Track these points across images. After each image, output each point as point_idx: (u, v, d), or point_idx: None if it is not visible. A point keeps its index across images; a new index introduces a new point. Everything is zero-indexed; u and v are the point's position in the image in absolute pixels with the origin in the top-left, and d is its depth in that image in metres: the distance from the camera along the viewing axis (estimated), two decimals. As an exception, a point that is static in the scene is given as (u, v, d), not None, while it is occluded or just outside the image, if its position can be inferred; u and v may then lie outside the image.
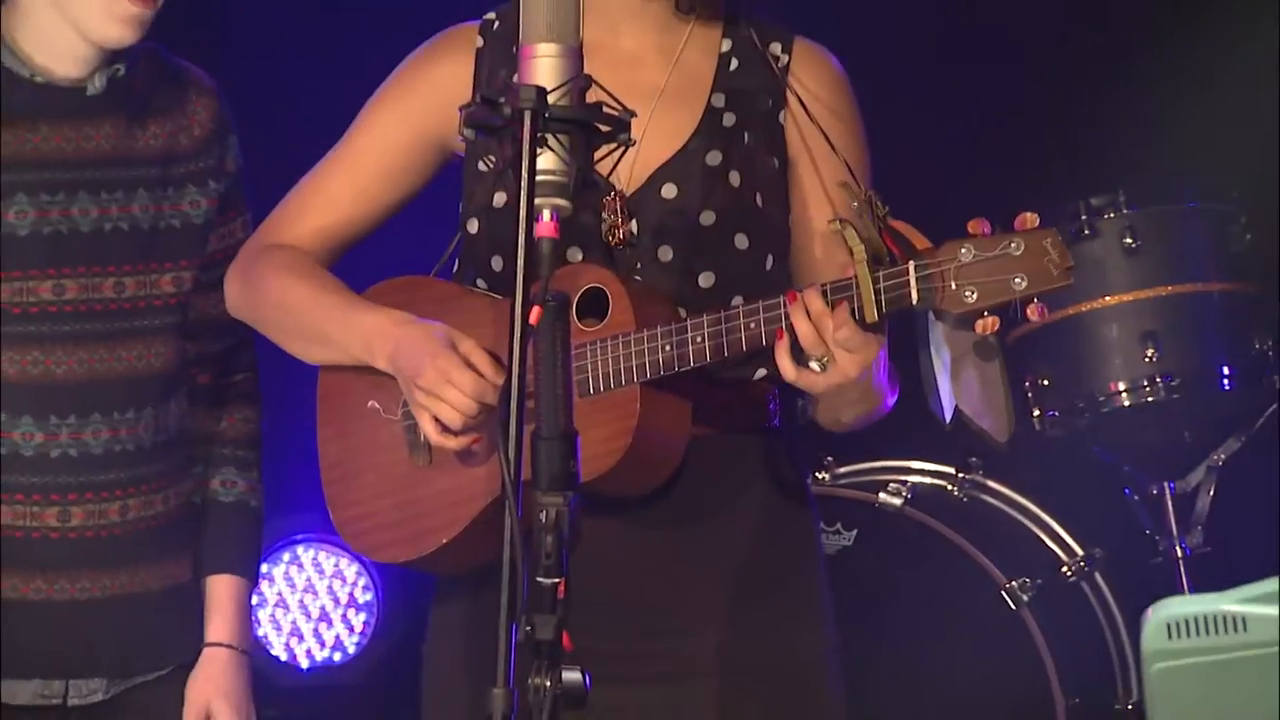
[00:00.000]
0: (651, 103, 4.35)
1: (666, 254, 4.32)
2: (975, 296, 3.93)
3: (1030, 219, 3.96)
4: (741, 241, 4.33)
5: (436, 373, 4.18)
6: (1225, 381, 6.03)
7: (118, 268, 4.47)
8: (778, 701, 4.33)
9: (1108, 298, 5.99)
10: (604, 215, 4.30)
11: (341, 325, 4.35)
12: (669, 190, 4.33)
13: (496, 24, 4.41)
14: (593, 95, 3.77)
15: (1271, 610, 3.64)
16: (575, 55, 3.73)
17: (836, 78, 4.44)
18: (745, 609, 4.33)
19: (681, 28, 4.42)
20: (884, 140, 4.51)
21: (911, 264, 3.95)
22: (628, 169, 4.28)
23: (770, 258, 4.32)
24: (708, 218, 4.32)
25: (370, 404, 4.41)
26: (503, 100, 3.69)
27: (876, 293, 3.95)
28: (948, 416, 4.33)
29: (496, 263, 4.28)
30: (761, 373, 4.24)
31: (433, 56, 4.45)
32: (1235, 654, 3.64)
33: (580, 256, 4.29)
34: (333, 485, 4.47)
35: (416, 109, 4.41)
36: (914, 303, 3.95)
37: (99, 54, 4.42)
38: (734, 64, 4.41)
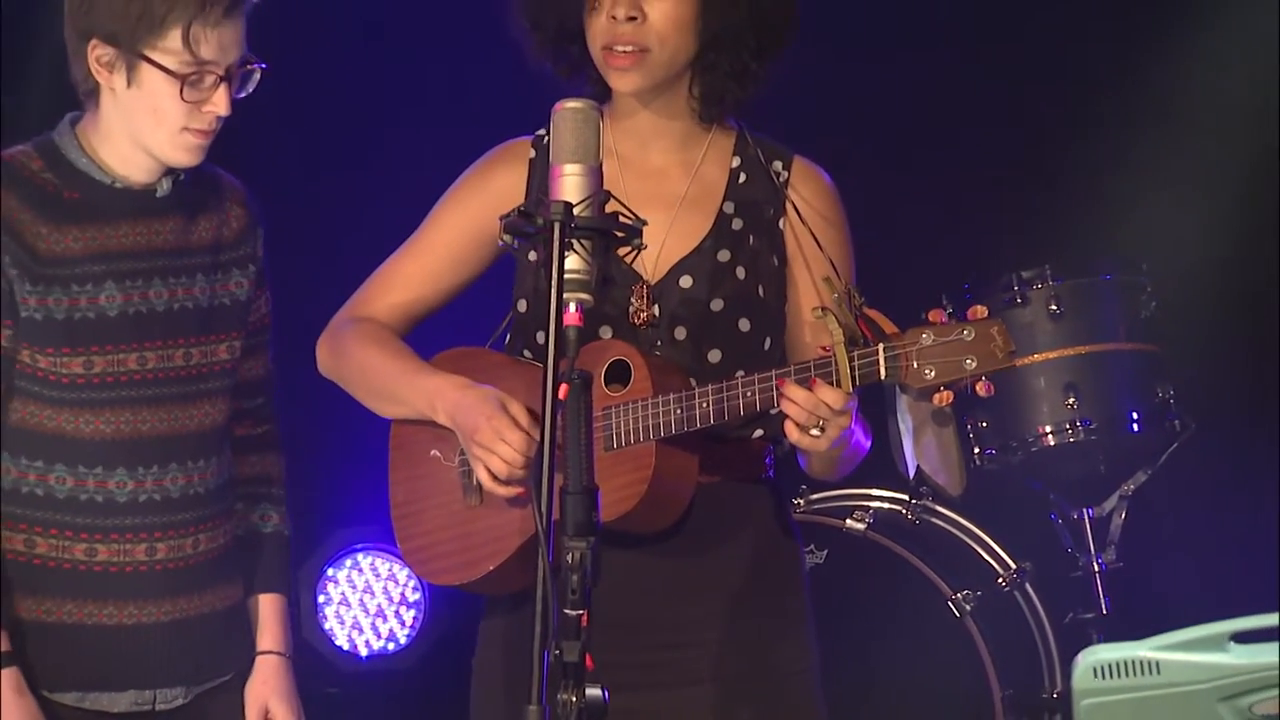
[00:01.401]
0: (673, 209, 4.37)
1: (681, 334, 4.32)
2: (933, 374, 3.97)
3: (980, 310, 3.99)
4: (744, 325, 4.33)
5: (491, 431, 4.21)
6: (1134, 424, 6.03)
7: (186, 340, 4.41)
8: (768, 706, 4.33)
9: (1036, 355, 6.00)
10: (632, 301, 4.31)
11: (410, 387, 4.37)
12: (685, 281, 4.33)
13: (547, 138, 4.36)
14: (614, 203, 3.80)
15: (1180, 656, 3.65)
16: (596, 173, 3.75)
17: (827, 191, 4.44)
18: (740, 628, 4.32)
19: (699, 145, 4.42)
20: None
21: (881, 346, 3.99)
22: (652, 263, 4.31)
23: (768, 339, 4.32)
24: (717, 305, 4.33)
25: (433, 453, 4.42)
26: (536, 213, 3.71)
27: (851, 369, 4.00)
28: (911, 473, 4.36)
29: (540, 337, 4.26)
30: (759, 433, 4.24)
31: (493, 166, 4.45)
32: (1150, 693, 3.64)
33: (610, 334, 4.29)
34: (401, 520, 4.48)
35: (477, 210, 4.40)
36: (882, 377, 3.99)
37: (164, 164, 4.40)
38: (742, 177, 4.41)
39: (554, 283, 3.67)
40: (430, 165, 4.73)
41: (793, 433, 4.05)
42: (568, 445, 3.67)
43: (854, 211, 4.48)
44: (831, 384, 4.01)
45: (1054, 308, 5.98)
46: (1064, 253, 6.10)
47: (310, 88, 6.74)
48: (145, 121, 4.29)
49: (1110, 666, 3.66)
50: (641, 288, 4.32)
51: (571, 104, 3.79)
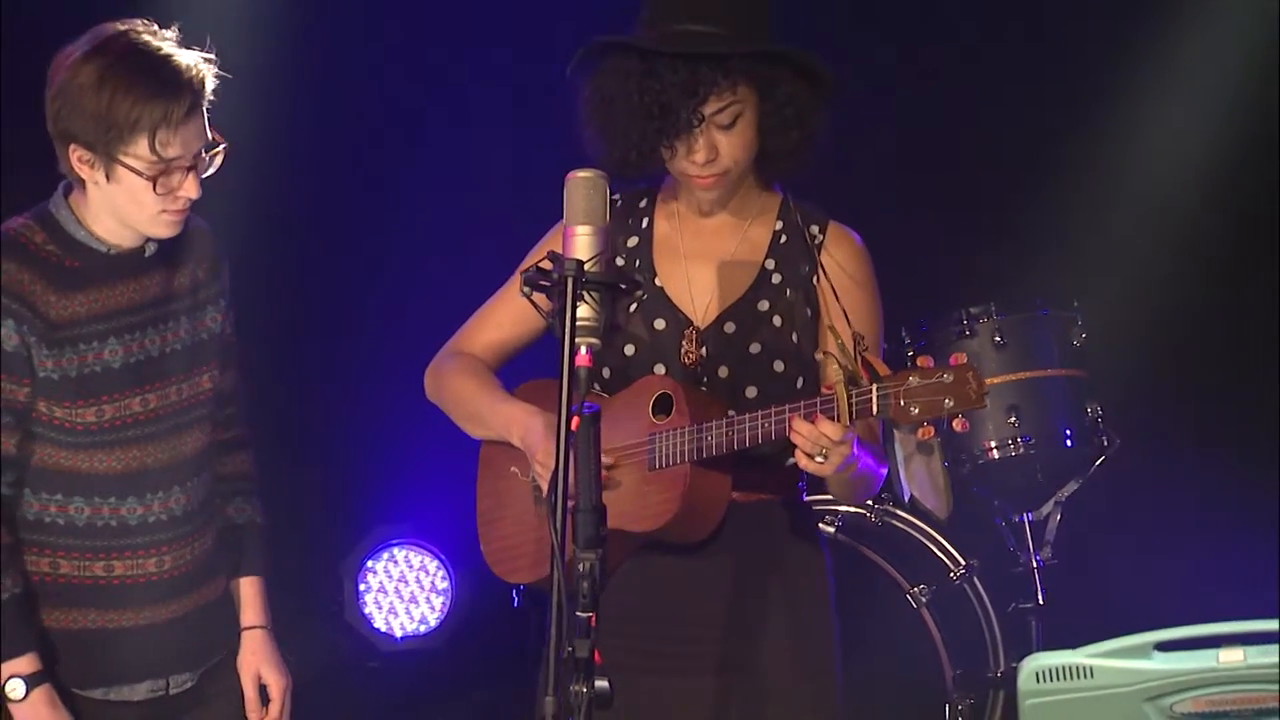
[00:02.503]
0: (722, 263, 4.41)
1: (724, 373, 4.34)
2: (917, 411, 4.01)
3: (960, 358, 4.03)
4: (779, 366, 4.35)
5: (545, 454, 4.23)
6: (1067, 440, 6.01)
7: (177, 378, 4.38)
8: (798, 693, 4.36)
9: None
10: (683, 343, 4.34)
11: (491, 412, 4.44)
12: (729, 328, 4.35)
13: (618, 202, 4.41)
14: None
15: (1110, 662, 3.64)
16: (604, 233, 3.75)
17: (858, 252, 4.45)
18: (776, 628, 4.34)
19: (748, 209, 4.44)
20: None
21: (874, 386, 4.03)
22: (702, 311, 4.36)
23: (801, 379, 4.34)
24: (755, 349, 4.35)
25: (512, 469, 4.46)
26: (553, 268, 3.72)
27: (850, 405, 4.04)
28: (906, 498, 4.38)
29: (605, 373, 4.33)
30: (791, 460, 4.20)
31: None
32: (1084, 694, 3.64)
33: (664, 370, 4.32)
34: (484, 526, 4.53)
35: None
36: (874, 413, 4.03)
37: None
38: (783, 239, 4.41)
39: (567, 329, 3.67)
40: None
41: (801, 459, 4.09)
42: (579, 469, 3.66)
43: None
44: (833, 419, 4.04)
45: (998, 339, 5.97)
46: (1007, 291, 6.10)
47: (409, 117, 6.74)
48: (126, 208, 4.24)
49: (1050, 671, 3.65)
50: (692, 332, 4.36)
51: (582, 174, 3.80)
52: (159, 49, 4.20)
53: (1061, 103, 6.67)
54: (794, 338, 4.35)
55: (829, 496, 5.88)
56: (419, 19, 6.85)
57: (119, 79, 4.15)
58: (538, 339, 4.50)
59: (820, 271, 4.38)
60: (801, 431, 4.05)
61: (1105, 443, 6.03)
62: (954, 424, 4.04)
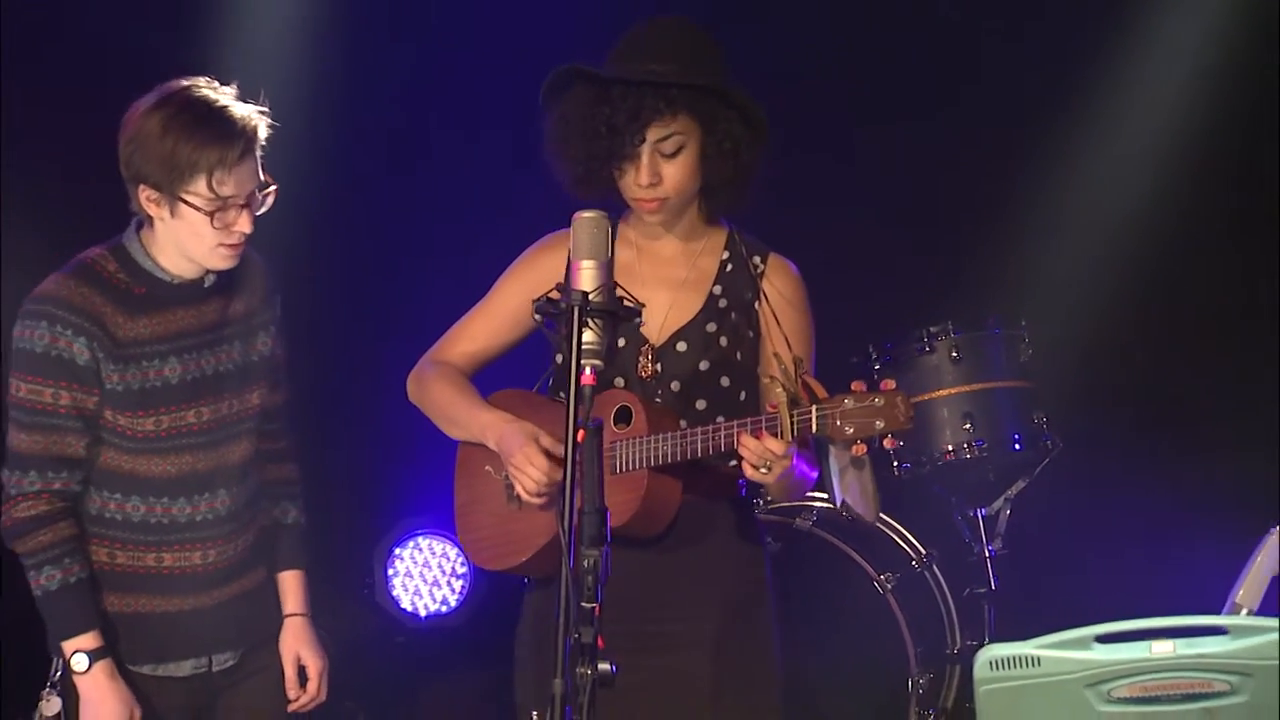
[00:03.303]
0: (675, 290, 4.40)
1: (676, 387, 4.35)
2: (851, 431, 4.02)
3: (889, 384, 4.06)
4: (725, 382, 4.36)
5: (523, 457, 4.26)
6: (1016, 444, 5.98)
7: (229, 395, 4.40)
8: (742, 663, 4.33)
9: (940, 391, 5.96)
10: (640, 359, 4.35)
11: (469, 418, 4.42)
12: (681, 346, 4.36)
13: None
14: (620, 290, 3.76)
15: (1056, 653, 3.64)
16: (606, 266, 3.73)
17: (794, 280, 4.44)
18: (718, 608, 4.33)
19: (699, 241, 4.44)
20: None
21: (814, 407, 4.04)
22: (656, 331, 4.36)
23: (744, 392, 4.35)
24: (704, 365, 4.35)
25: (486, 468, 4.45)
26: (561, 298, 3.71)
27: (791, 424, 4.04)
28: (838, 503, 4.38)
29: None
30: (734, 463, 4.20)
31: (543, 252, 4.47)
32: (1033, 681, 3.64)
33: (623, 384, 4.32)
34: (461, 518, 4.52)
35: (528, 285, 4.38)
36: (813, 431, 4.04)
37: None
38: (729, 268, 4.42)
39: (574, 352, 3.66)
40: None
41: (746, 470, 4.11)
42: (584, 477, 3.64)
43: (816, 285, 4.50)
44: (776, 435, 4.06)
45: (954, 354, 5.95)
46: (963, 311, 6.06)
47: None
48: (188, 241, 4.28)
49: (1002, 660, 3.65)
50: (648, 350, 4.36)
51: (588, 214, 3.77)
52: (216, 101, 4.24)
53: (1010, 137, 6.63)
54: (738, 356, 4.36)
55: (809, 497, 6.00)
56: (436, 46, 6.81)
57: (181, 127, 4.20)
58: (511, 350, 4.52)
59: (762, 297, 4.39)
60: (749, 446, 4.07)
61: (1050, 446, 6.01)
62: (885, 443, 4.05)
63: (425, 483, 6.36)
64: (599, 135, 4.31)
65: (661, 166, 4.30)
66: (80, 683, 4.29)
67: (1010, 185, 6.68)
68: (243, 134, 4.21)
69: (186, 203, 4.20)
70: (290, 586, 4.56)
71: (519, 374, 4.56)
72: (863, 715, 5.86)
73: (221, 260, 4.30)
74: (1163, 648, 3.60)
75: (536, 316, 3.81)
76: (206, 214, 4.20)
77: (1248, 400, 6.48)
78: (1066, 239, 6.69)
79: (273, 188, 4.28)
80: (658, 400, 4.33)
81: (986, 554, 6.02)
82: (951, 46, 6.70)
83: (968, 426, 5.93)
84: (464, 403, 4.45)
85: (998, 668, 3.63)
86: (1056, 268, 6.65)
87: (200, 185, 4.19)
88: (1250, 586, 4.84)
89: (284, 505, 4.59)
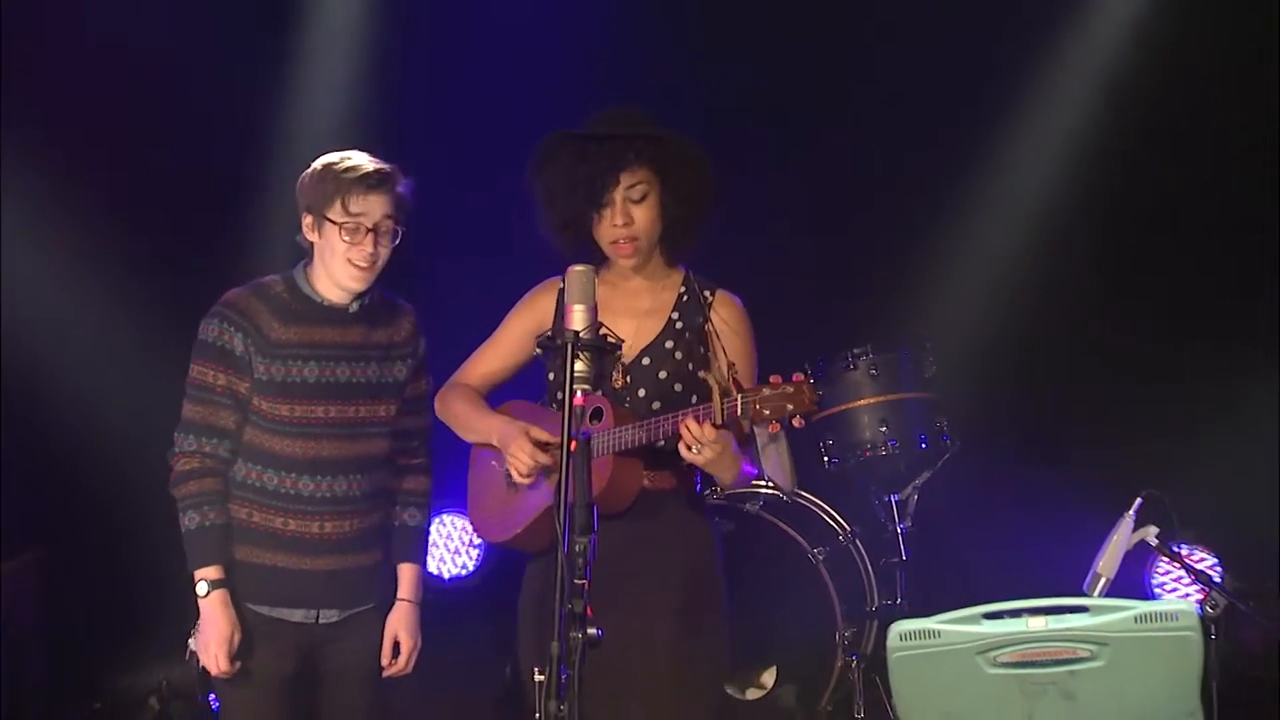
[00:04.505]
0: (641, 317, 4.41)
1: (641, 393, 4.35)
2: (769, 412, 4.03)
3: (799, 377, 4.05)
4: (678, 388, 4.35)
5: (516, 446, 4.31)
6: (922, 443, 5.98)
7: (357, 401, 4.41)
8: (690, 623, 4.29)
9: (861, 400, 5.95)
10: (613, 373, 4.35)
11: (479, 424, 4.46)
12: (645, 360, 4.37)
13: (563, 284, 4.39)
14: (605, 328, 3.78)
15: (952, 626, 3.67)
16: (593, 309, 3.75)
17: (737, 310, 4.44)
18: (670, 581, 4.30)
19: (661, 279, 4.44)
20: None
21: (739, 396, 4.04)
22: (627, 349, 4.32)
23: (694, 396, 4.31)
24: (663, 375, 4.35)
25: (491, 463, 4.47)
26: (557, 336, 3.74)
27: (721, 408, 4.06)
28: (763, 476, 4.36)
29: (560, 395, 4.22)
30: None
31: (537, 296, 4.49)
32: (934, 650, 3.66)
33: (599, 391, 4.25)
34: (471, 500, 4.55)
35: (528, 322, 4.45)
36: (739, 413, 4.05)
37: (353, 293, 4.42)
38: (685, 299, 4.42)
39: (568, 380, 3.68)
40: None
41: (682, 450, 4.11)
42: (576, 478, 3.65)
43: (755, 306, 4.50)
44: (710, 422, 4.08)
45: (873, 371, 5.94)
46: (879, 335, 6.06)
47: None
48: (329, 258, 4.37)
49: (909, 633, 3.67)
50: (619, 364, 4.36)
51: (579, 268, 3.79)
52: (362, 157, 4.39)
53: (920, 178, 6.59)
54: (690, 367, 4.35)
55: (755, 485, 5.98)
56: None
57: (330, 169, 4.36)
58: (517, 372, 4.53)
59: (710, 323, 4.39)
60: (689, 428, 4.08)
61: (949, 444, 6.01)
62: (794, 422, 4.03)
63: (448, 474, 6.34)
64: (579, 186, 4.32)
65: (631, 210, 4.31)
66: (201, 605, 4.34)
67: (920, 218, 6.66)
68: (374, 174, 4.35)
69: (328, 219, 4.33)
70: (406, 577, 4.55)
71: (524, 388, 4.57)
72: (801, 661, 5.81)
73: (353, 279, 4.38)
74: (1037, 623, 3.63)
75: (538, 350, 3.83)
76: (338, 225, 4.31)
77: (1110, 407, 6.52)
78: (965, 275, 6.68)
79: (400, 228, 4.38)
80: (627, 404, 4.33)
81: (899, 531, 6.03)
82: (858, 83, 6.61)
83: (883, 429, 5.93)
84: (476, 414, 4.48)
85: (906, 639, 3.65)
86: (956, 300, 6.66)
87: (338, 206, 4.32)
88: (1109, 558, 4.77)
89: (411, 510, 4.58)
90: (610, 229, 4.33)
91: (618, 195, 4.31)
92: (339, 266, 4.36)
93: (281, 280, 4.42)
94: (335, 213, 4.32)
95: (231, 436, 4.37)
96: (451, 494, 6.55)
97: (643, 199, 4.32)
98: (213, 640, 4.32)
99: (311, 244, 4.39)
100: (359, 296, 4.42)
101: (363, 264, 4.34)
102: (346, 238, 4.31)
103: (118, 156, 6.38)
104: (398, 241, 4.38)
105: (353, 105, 6.65)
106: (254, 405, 4.36)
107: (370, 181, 4.32)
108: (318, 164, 4.39)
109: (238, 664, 4.33)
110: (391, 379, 4.47)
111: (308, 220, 4.37)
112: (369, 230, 4.31)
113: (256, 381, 4.35)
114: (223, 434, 4.37)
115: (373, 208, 4.32)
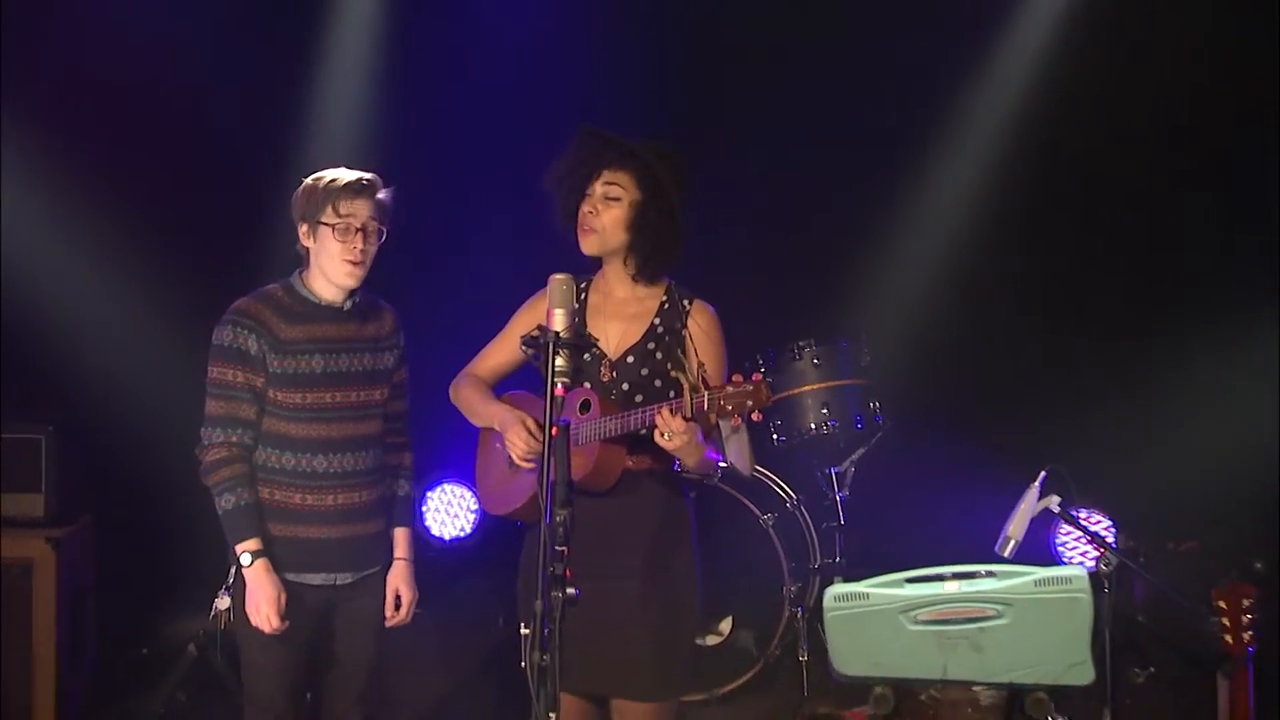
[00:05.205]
0: (628, 321, 4.37)
1: (625, 387, 4.31)
2: (731, 408, 4.01)
3: (758, 377, 4.05)
4: (658, 384, 4.32)
5: (515, 433, 4.26)
6: (859, 424, 5.99)
7: (356, 387, 4.43)
8: (664, 588, 4.30)
9: (806, 387, 5.96)
10: (601, 369, 4.32)
11: (485, 410, 4.41)
12: (630, 359, 4.33)
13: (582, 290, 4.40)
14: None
15: (879, 590, 3.73)
16: (573, 313, 3.76)
17: (711, 317, 4.38)
18: (648, 547, 4.30)
19: (645, 290, 4.39)
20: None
21: (707, 393, 4.03)
22: (614, 349, 4.32)
23: (671, 391, 4.29)
24: (645, 372, 4.32)
25: (495, 445, 4.44)
26: (539, 335, 3.75)
27: (690, 402, 4.05)
28: (726, 461, 4.35)
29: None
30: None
31: (540, 299, 4.37)
32: (863, 610, 3.70)
33: (589, 385, 4.29)
34: (478, 478, 4.51)
35: (533, 321, 4.29)
36: (705, 408, 4.03)
37: (346, 292, 4.42)
38: (666, 306, 4.38)
39: (549, 374, 3.70)
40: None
41: (657, 437, 4.08)
42: (557, 458, 3.67)
43: (712, 300, 4.45)
44: (680, 414, 4.07)
45: (815, 361, 5.96)
46: (821, 330, 6.06)
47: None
48: (324, 259, 4.36)
49: (842, 595, 3.70)
50: (607, 362, 4.33)
51: (559, 277, 3.80)
52: (338, 170, 4.38)
53: (856, 191, 6.54)
54: (668, 366, 4.32)
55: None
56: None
57: (319, 181, 4.35)
58: (519, 369, 4.49)
59: (687, 328, 4.36)
60: (664, 418, 4.06)
61: (881, 425, 6.03)
62: (753, 416, 4.04)
63: (446, 449, 6.31)
64: (569, 175, 4.32)
65: (600, 205, 4.29)
66: (246, 574, 4.34)
67: (858, 234, 6.63)
68: (359, 181, 4.36)
69: (321, 223, 4.33)
70: (400, 539, 4.56)
71: (527, 381, 4.56)
72: (754, 611, 5.83)
73: (347, 275, 4.37)
74: (952, 587, 3.68)
75: (524, 349, 3.81)
76: (331, 226, 4.31)
77: (1021, 392, 6.53)
78: (896, 276, 6.67)
79: (385, 229, 4.37)
80: (613, 397, 4.31)
81: (838, 499, 6.04)
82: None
83: (825, 411, 5.94)
84: (482, 402, 4.45)
85: (839, 600, 3.70)
86: (889, 297, 6.66)
87: (329, 210, 4.32)
88: (1017, 523, 4.71)
89: (400, 482, 4.59)
90: (582, 214, 4.31)
91: (597, 187, 4.29)
92: (334, 265, 4.36)
93: (281, 287, 4.43)
94: (328, 216, 4.32)
95: (253, 426, 4.37)
96: (451, 466, 6.67)
97: (615, 201, 4.29)
98: (263, 602, 4.32)
99: (307, 250, 4.39)
100: (351, 295, 4.43)
101: (355, 259, 4.35)
102: (339, 237, 4.32)
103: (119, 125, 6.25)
104: (382, 240, 4.38)
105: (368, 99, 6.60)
106: (270, 397, 4.36)
107: (355, 188, 4.33)
108: (307, 181, 4.39)
109: (286, 622, 4.35)
110: (383, 367, 4.48)
111: (303, 229, 4.37)
112: (358, 230, 4.32)
113: (271, 376, 4.35)
114: (245, 424, 4.37)
115: (359, 210, 4.33)
